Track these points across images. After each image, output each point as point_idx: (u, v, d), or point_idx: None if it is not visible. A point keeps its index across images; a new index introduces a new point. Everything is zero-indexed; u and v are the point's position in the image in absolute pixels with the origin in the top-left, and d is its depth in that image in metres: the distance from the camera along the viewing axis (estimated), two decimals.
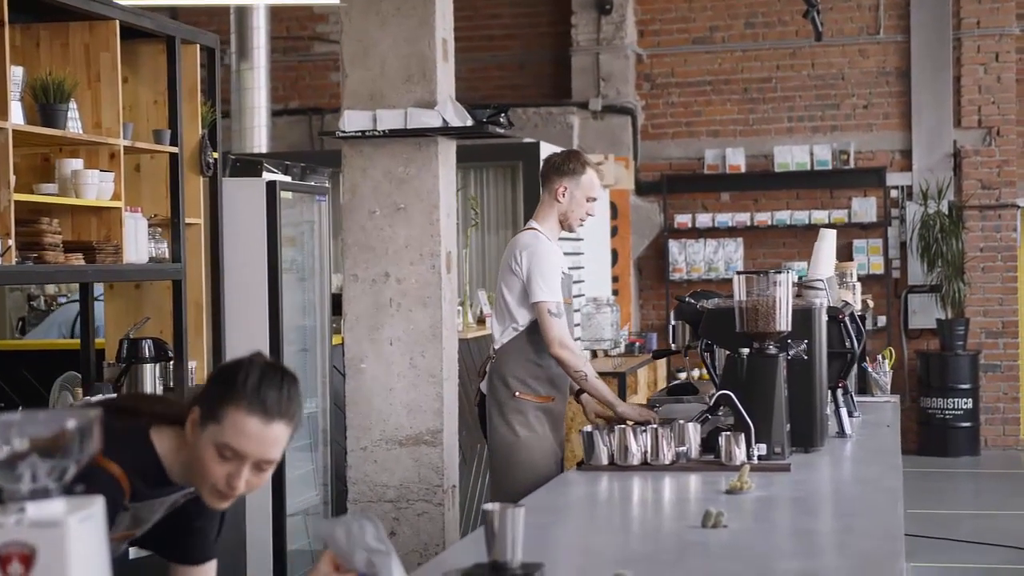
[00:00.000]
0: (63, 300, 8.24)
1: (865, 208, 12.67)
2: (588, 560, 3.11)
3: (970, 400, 12.28)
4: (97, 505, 1.84)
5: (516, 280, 5.23)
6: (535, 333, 5.21)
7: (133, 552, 4.73)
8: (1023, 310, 12.86)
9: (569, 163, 5.35)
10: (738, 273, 4.54)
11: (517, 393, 5.25)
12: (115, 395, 4.85)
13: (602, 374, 9.29)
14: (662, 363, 11.25)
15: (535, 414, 5.25)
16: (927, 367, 12.39)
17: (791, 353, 4.53)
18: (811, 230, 12.59)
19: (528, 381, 5.24)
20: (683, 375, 12.03)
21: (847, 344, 5.11)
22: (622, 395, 9.05)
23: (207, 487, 2.66)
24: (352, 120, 5.98)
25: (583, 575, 2.95)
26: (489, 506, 2.80)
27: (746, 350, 4.47)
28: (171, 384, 5.68)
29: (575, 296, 10.20)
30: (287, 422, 2.63)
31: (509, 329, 5.29)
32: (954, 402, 12.26)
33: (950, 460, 12.06)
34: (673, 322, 5.23)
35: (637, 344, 11.02)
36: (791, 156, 12.78)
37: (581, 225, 5.45)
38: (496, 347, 5.37)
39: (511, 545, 2.80)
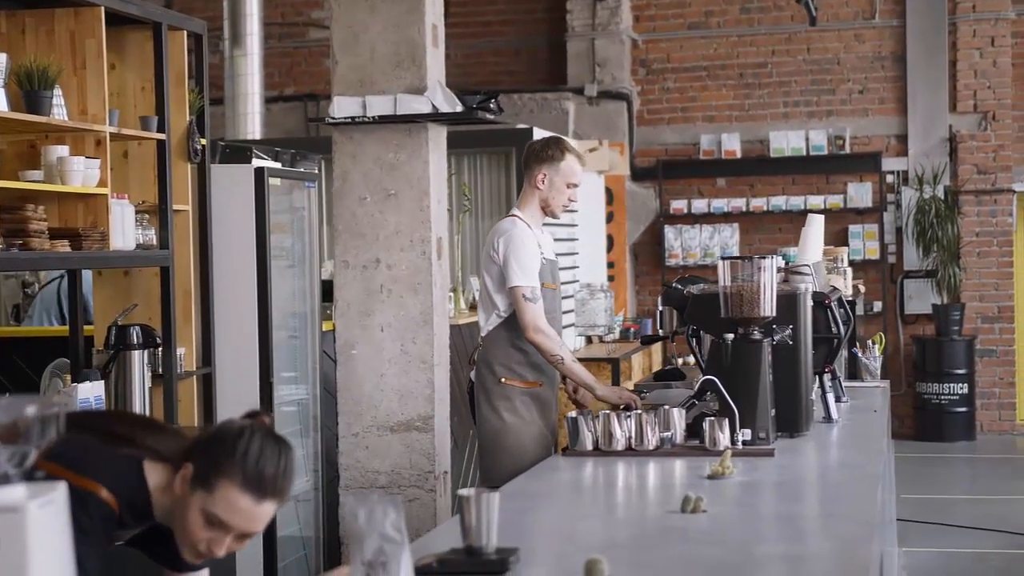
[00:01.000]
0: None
1: (861, 193, 12.66)
2: (565, 545, 3.12)
3: (966, 385, 12.28)
4: (59, 491, 1.84)
5: (495, 267, 5.27)
6: (517, 319, 5.23)
7: None
8: (1019, 295, 12.86)
9: (548, 150, 5.36)
10: (723, 258, 4.54)
11: (503, 379, 5.28)
12: (109, 412, 4.81)
13: (596, 360, 9.38)
14: (657, 349, 11.26)
15: (522, 399, 5.28)
16: (923, 352, 12.39)
17: (776, 338, 4.53)
18: (806, 216, 12.55)
19: (513, 367, 5.27)
20: (679, 361, 12.04)
21: (833, 329, 5.11)
22: (615, 381, 9.06)
23: (187, 545, 2.67)
24: (342, 106, 5.97)
25: (559, 560, 2.95)
26: (464, 492, 2.82)
27: (731, 335, 4.47)
28: (159, 370, 5.68)
29: (569, 282, 10.27)
30: (279, 500, 2.65)
31: (493, 316, 5.32)
32: (950, 387, 12.26)
33: (946, 445, 12.07)
34: (660, 308, 5.22)
35: (632, 330, 11.02)
36: (787, 141, 12.77)
37: (566, 210, 5.46)
38: (482, 335, 5.40)
39: (486, 530, 2.81)
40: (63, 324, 7.05)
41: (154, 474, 2.69)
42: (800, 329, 4.65)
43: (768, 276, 4.46)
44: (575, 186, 5.37)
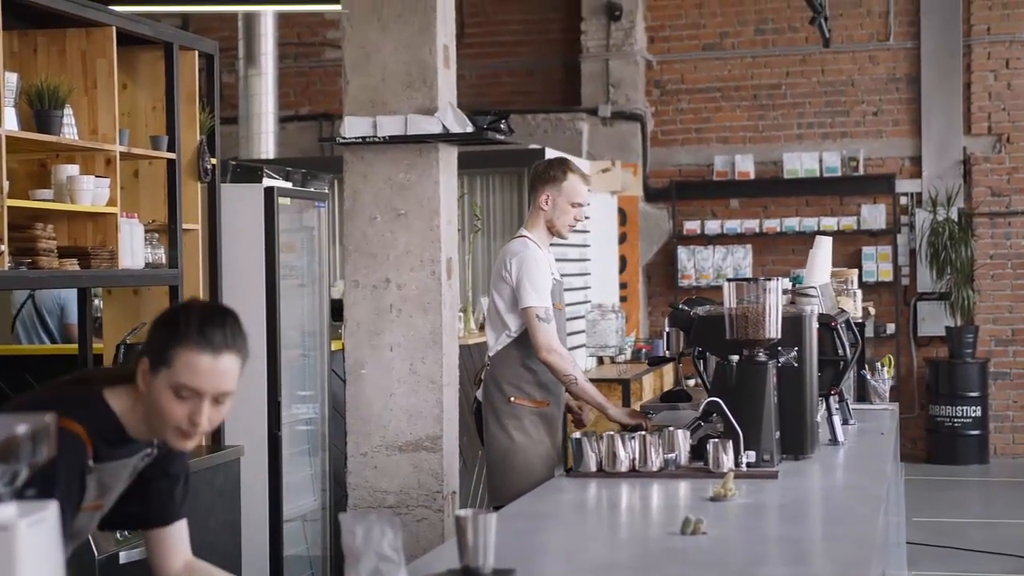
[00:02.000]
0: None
1: (874, 215, 12.64)
2: (563, 567, 3.12)
3: (979, 408, 12.24)
4: (49, 509, 1.86)
5: (507, 287, 5.29)
6: (528, 339, 5.25)
7: (124, 556, 4.77)
8: None
9: (551, 170, 5.40)
10: (728, 280, 4.54)
11: (512, 399, 5.29)
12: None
13: (607, 380, 9.38)
14: (669, 370, 11.25)
15: (531, 419, 5.29)
16: (936, 375, 12.35)
17: (781, 360, 4.52)
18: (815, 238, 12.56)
19: (523, 386, 5.29)
20: (691, 382, 12.02)
21: (840, 352, 5.10)
22: (626, 402, 9.06)
23: (170, 430, 2.73)
24: (353, 126, 6.00)
25: None
26: (461, 512, 2.82)
27: (736, 357, 4.47)
28: None
29: (581, 303, 10.28)
30: (235, 354, 2.73)
31: (503, 336, 5.34)
32: (963, 410, 12.22)
33: (959, 468, 12.02)
34: (668, 329, 5.23)
35: (644, 351, 11.01)
36: (800, 163, 12.77)
37: (572, 230, 5.48)
38: (490, 354, 5.42)
39: (483, 551, 2.82)
40: (45, 340, 7.12)
41: (117, 400, 2.78)
42: (806, 351, 4.64)
43: (773, 298, 4.45)
44: (580, 206, 5.39)
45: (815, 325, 4.75)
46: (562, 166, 5.42)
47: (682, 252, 12.95)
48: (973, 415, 12.21)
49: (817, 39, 11.76)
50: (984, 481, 11.79)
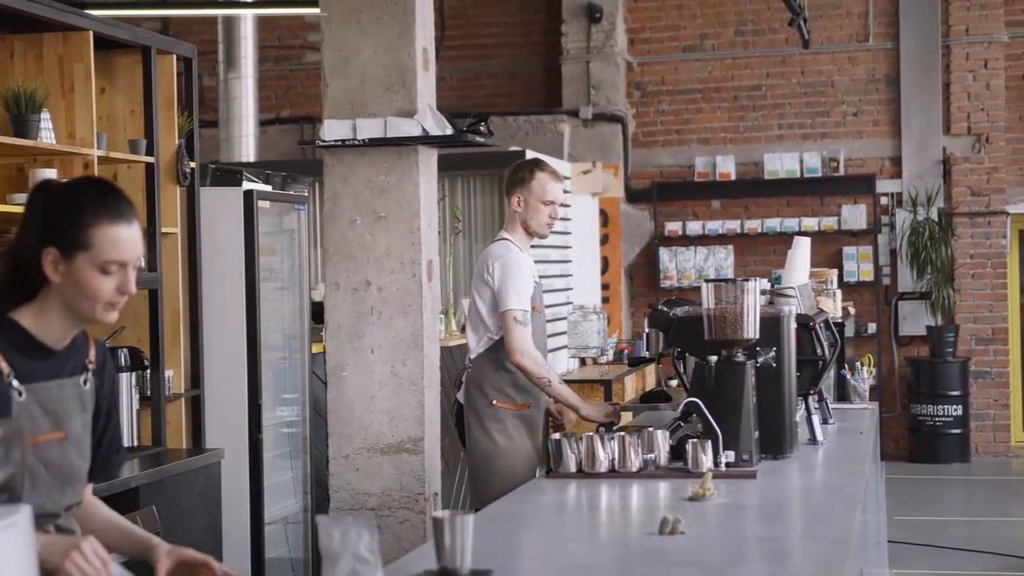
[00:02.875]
0: None
1: (855, 215, 12.67)
2: (540, 567, 3.13)
3: (960, 407, 12.28)
4: (22, 513, 1.86)
5: (488, 290, 5.30)
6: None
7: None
8: (1013, 316, 12.87)
9: (519, 172, 5.44)
10: (706, 281, 4.55)
11: (494, 401, 5.31)
12: None
13: (589, 381, 9.38)
14: (651, 370, 11.27)
15: (512, 422, 5.31)
16: (917, 374, 12.39)
17: (759, 361, 4.54)
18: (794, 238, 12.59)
19: (504, 389, 5.30)
20: (674, 383, 12.04)
21: (818, 351, 5.12)
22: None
23: (100, 307, 2.72)
24: (332, 129, 6.00)
25: None
26: (438, 514, 2.83)
27: (714, 357, 4.48)
28: (148, 393, 5.69)
29: (562, 304, 10.29)
30: (137, 218, 2.78)
31: (484, 339, 5.35)
32: (944, 409, 12.26)
33: (940, 467, 12.06)
34: (647, 329, 5.24)
35: (627, 352, 11.02)
36: (781, 163, 12.80)
37: (551, 229, 5.49)
38: (472, 356, 5.42)
39: (460, 552, 2.82)
40: None
41: (21, 315, 2.74)
42: (784, 351, 4.66)
43: (752, 298, 4.47)
44: (552, 203, 5.41)
45: (793, 325, 4.77)
46: (529, 167, 5.46)
47: (664, 253, 12.97)
48: (954, 414, 12.25)
49: (797, 40, 11.81)
50: (965, 479, 11.83)
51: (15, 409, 2.66)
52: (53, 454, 2.76)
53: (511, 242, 5.37)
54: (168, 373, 5.81)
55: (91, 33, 5.31)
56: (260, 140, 11.36)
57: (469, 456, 5.40)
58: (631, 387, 10.08)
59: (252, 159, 10.79)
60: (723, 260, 12.90)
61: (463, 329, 8.04)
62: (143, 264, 5.70)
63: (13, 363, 2.69)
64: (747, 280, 4.50)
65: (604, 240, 12.46)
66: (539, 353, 5.26)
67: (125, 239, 2.70)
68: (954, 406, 12.25)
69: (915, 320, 12.61)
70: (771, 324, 4.62)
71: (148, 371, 5.66)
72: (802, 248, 5.63)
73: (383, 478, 5.69)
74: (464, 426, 5.44)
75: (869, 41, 12.84)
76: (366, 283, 5.98)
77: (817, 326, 5.13)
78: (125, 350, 5.54)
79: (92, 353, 2.89)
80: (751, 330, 4.46)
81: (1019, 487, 11.70)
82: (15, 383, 2.69)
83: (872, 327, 12.60)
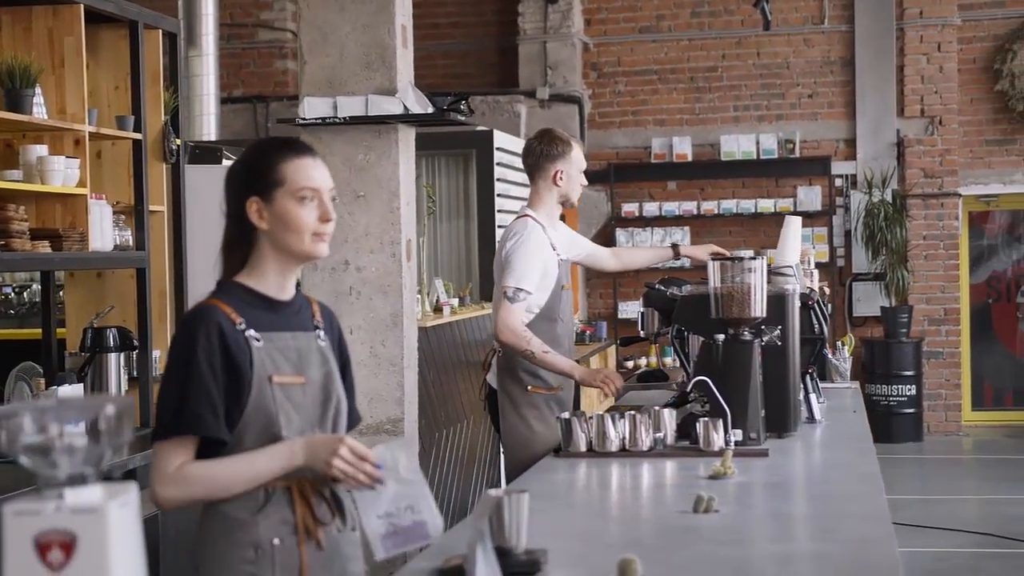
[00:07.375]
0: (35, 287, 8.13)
1: (810, 197, 12.76)
2: (587, 546, 3.11)
3: (913, 387, 12.42)
4: (132, 492, 1.82)
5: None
6: (540, 323, 5.17)
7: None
8: (964, 298, 13.03)
9: (556, 146, 5.35)
10: (713, 259, 4.55)
11: (530, 387, 5.22)
12: None
13: None
14: (612, 351, 11.30)
15: (547, 406, 5.22)
16: (871, 354, 12.52)
17: (765, 339, 4.55)
18: (757, 219, 12.69)
19: (539, 373, 5.20)
20: (644, 362, 12.09)
21: (816, 329, 5.14)
22: (574, 390, 9.05)
23: (308, 239, 2.88)
24: (312, 107, 5.94)
25: (585, 560, 2.94)
26: (494, 492, 2.79)
27: (721, 336, 4.48)
28: (135, 373, 5.61)
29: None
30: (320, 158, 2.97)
31: None
32: (898, 388, 12.40)
33: (894, 446, 12.19)
34: (642, 309, 5.22)
35: (588, 333, 11.04)
36: (737, 145, 12.85)
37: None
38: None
39: (516, 531, 2.80)
40: None
41: (241, 277, 2.91)
42: (788, 330, 4.67)
43: (758, 277, 4.47)
44: (583, 170, 5.43)
45: (797, 304, 4.79)
46: (563, 139, 5.39)
47: (621, 234, 12.99)
48: (908, 394, 12.40)
49: (753, 22, 11.86)
50: (919, 458, 11.98)
51: (256, 355, 2.82)
52: (297, 397, 2.87)
53: (534, 219, 5.27)
54: (156, 353, 5.73)
55: (82, 7, 5.21)
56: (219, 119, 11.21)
57: (504, 442, 5.32)
58: (596, 367, 10.09)
59: (214, 138, 10.65)
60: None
61: (436, 310, 7.99)
62: (132, 241, 5.63)
63: (245, 315, 2.84)
64: (754, 258, 4.51)
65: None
66: (524, 328, 5.13)
67: (312, 167, 2.89)
68: (907, 386, 12.39)
69: (869, 301, 12.73)
70: (776, 302, 4.63)
71: (136, 351, 5.58)
72: (794, 227, 5.65)
73: None
74: (496, 410, 5.34)
75: (825, 23, 12.92)
76: (345, 263, 5.95)
77: (815, 304, 5.15)
78: (113, 330, 5.46)
79: (318, 314, 3.01)
80: (758, 308, 4.47)
81: (971, 465, 11.86)
82: (251, 332, 2.83)
83: (827, 308, 12.68)
